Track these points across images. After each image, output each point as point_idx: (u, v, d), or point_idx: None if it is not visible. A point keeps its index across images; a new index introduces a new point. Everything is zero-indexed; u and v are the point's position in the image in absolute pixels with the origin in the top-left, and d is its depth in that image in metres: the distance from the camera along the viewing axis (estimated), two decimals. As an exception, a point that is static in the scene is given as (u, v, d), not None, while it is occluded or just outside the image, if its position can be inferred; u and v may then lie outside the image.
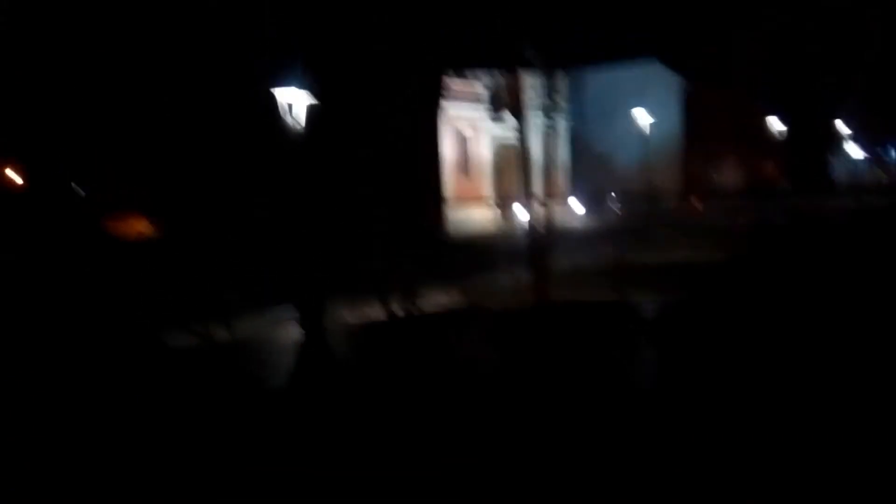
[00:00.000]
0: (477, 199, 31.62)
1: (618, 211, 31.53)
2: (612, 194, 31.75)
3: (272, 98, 13.47)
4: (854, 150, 46.67)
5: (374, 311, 10.26)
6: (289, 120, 12.90)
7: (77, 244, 17.32)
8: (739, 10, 33.25)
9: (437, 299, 10.69)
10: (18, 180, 24.00)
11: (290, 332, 8.99)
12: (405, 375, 7.44)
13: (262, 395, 6.88)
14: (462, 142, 33.21)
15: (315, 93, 13.33)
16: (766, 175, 46.31)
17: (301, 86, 13.31)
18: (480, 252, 17.08)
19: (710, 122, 42.94)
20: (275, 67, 14.88)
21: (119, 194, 22.01)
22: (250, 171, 17.18)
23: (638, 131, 31.92)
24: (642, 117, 30.52)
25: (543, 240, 9.14)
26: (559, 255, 16.54)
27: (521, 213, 32.71)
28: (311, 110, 13.39)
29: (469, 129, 33.37)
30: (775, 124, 39.28)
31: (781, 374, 7.38)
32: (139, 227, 22.94)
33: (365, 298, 11.09)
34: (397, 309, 9.60)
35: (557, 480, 5.37)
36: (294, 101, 13.00)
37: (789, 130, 40.37)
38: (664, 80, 41.77)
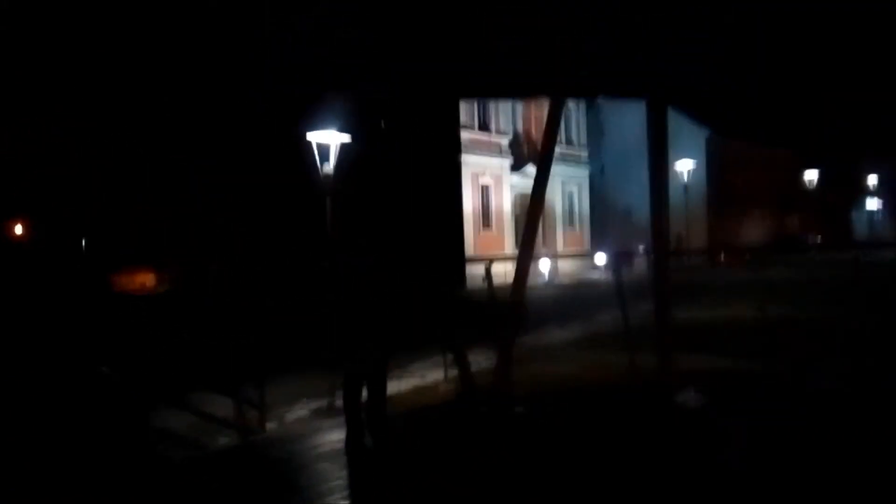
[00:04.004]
0: (499, 251, 30.17)
1: (647, 266, 29.97)
2: (641, 248, 30.29)
3: (303, 140, 12.38)
4: (872, 203, 45.36)
5: (441, 389, 8.49)
6: (322, 162, 11.77)
7: (73, 298, 15.93)
8: (768, 60, 32.29)
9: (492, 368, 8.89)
10: (21, 234, 22.95)
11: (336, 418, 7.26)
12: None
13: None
14: (482, 193, 32.06)
15: (348, 131, 12.25)
16: (792, 229, 45.04)
17: (334, 126, 12.20)
18: (513, 310, 15.43)
19: (735, 175, 41.83)
20: (305, 106, 13.77)
21: (128, 248, 20.77)
22: (270, 218, 15.94)
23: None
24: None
25: (664, 295, 7.02)
26: (605, 312, 14.93)
27: (543, 267, 31.28)
28: (343, 149, 12.26)
29: (490, 179, 32.26)
30: (806, 176, 38.27)
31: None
32: (146, 280, 21.60)
33: (415, 366, 9.56)
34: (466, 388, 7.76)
35: None
36: (328, 142, 11.87)
37: (819, 183, 39.30)
38: (688, 131, 40.88)
